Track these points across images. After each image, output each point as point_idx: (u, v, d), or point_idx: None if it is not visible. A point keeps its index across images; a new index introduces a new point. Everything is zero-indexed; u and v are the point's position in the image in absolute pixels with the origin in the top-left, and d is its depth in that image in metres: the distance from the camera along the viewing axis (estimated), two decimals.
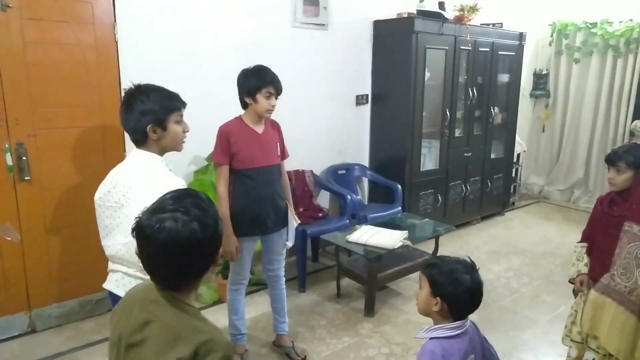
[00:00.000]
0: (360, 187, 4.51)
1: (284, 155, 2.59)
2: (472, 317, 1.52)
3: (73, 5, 2.77)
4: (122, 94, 2.97)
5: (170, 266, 1.08)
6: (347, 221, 3.73)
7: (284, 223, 2.58)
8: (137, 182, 1.65)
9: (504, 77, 5.07)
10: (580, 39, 5.52)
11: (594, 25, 5.38)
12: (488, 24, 4.81)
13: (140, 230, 1.08)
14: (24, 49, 2.64)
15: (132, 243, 1.62)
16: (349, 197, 3.83)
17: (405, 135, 4.20)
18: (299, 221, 2.66)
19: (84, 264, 2.95)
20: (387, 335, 2.95)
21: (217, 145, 2.41)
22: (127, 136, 3.08)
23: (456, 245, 4.38)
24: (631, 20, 5.14)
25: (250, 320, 2.97)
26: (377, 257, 3.11)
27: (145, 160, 1.70)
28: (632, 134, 5.04)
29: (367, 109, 4.44)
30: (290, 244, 2.64)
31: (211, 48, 3.35)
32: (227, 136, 2.37)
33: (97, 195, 1.73)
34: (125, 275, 1.71)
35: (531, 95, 6.04)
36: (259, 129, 2.44)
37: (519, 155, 5.71)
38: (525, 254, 4.29)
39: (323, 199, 4.21)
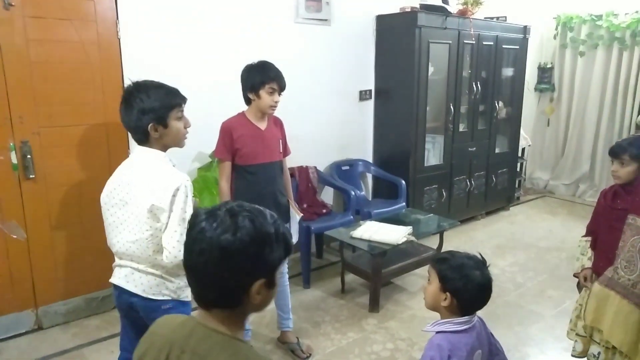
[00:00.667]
0: (364, 183, 4.50)
1: (286, 152, 2.59)
2: (478, 311, 1.52)
3: (75, 2, 2.77)
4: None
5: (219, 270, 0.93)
6: (351, 217, 3.73)
7: (286, 219, 2.58)
8: (141, 180, 1.65)
9: (508, 71, 5.04)
10: (586, 32, 5.47)
11: (599, 17, 5.33)
12: (492, 18, 4.78)
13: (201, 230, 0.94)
14: (27, 47, 2.65)
15: (143, 240, 1.64)
16: (353, 193, 3.83)
17: (409, 130, 4.18)
18: (302, 214, 2.65)
19: (89, 261, 2.96)
20: (392, 330, 2.95)
21: (220, 141, 2.41)
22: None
23: (461, 240, 4.37)
24: (637, 12, 5.08)
25: (254, 316, 2.98)
26: (382, 253, 3.11)
27: (148, 157, 1.70)
28: (638, 126, 5.00)
29: (370, 104, 4.43)
30: (293, 240, 2.64)
31: (214, 44, 3.34)
32: (230, 132, 2.37)
33: (104, 194, 1.75)
34: (135, 271, 1.71)
35: (536, 89, 6.00)
36: (262, 125, 2.43)
37: (523, 149, 5.68)
38: (530, 248, 4.28)
39: (327, 195, 4.21)
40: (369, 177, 4.58)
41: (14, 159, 2.69)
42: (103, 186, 1.79)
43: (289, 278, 2.73)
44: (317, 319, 3.07)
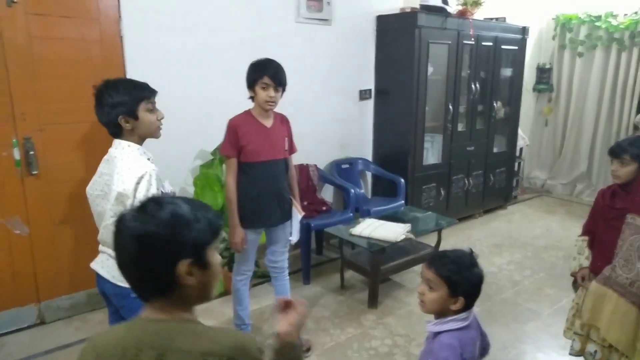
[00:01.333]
0: (363, 181, 4.53)
1: (292, 150, 2.61)
2: (475, 308, 1.55)
3: (78, 0, 2.79)
4: None
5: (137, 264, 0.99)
6: (351, 214, 3.76)
7: (289, 217, 2.60)
8: (115, 170, 1.72)
9: (507, 72, 5.07)
10: (584, 33, 5.50)
11: (598, 18, 5.37)
12: (491, 18, 4.81)
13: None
14: (30, 44, 2.67)
15: (108, 225, 1.70)
16: (353, 190, 3.86)
17: (408, 129, 4.21)
18: (304, 213, 2.68)
19: (91, 256, 2.94)
20: (390, 326, 2.98)
21: (226, 138, 2.43)
22: None
23: (458, 238, 4.40)
24: (636, 13, 5.11)
25: (254, 312, 3.01)
26: (381, 250, 3.14)
27: (122, 148, 1.76)
28: (635, 127, 5.04)
29: (370, 103, 4.46)
30: (294, 239, 2.66)
31: (216, 43, 3.37)
32: (236, 129, 2.40)
33: (88, 187, 1.85)
34: (110, 257, 1.78)
35: (534, 89, 6.03)
36: (267, 122, 2.46)
37: (521, 149, 5.72)
38: (527, 247, 4.31)
39: (327, 193, 4.24)
40: (369, 176, 4.61)
41: (16, 155, 2.72)
42: None
43: (289, 274, 2.76)
44: (316, 315, 3.10)
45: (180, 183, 3.35)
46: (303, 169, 3.91)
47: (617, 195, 2.18)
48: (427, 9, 4.08)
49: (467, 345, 1.44)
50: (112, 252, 1.69)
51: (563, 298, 3.36)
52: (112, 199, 1.70)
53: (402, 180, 4.15)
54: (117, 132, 1.78)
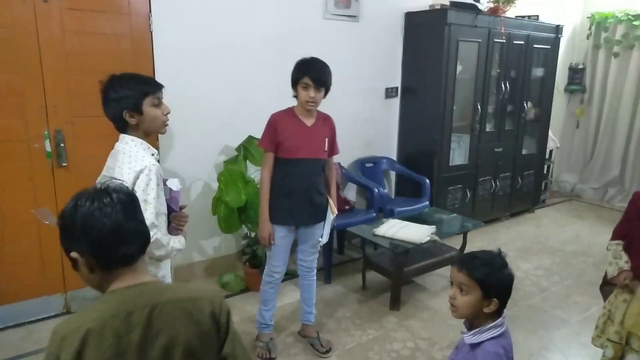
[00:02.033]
0: (387, 181, 4.48)
1: (332, 151, 2.57)
2: (505, 321, 1.50)
3: None
4: None
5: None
6: (374, 214, 3.72)
7: (320, 219, 2.57)
8: (117, 164, 1.72)
9: (538, 71, 4.94)
10: (621, 32, 5.31)
11: (637, 17, 5.17)
12: (523, 17, 4.69)
13: None
14: (63, 39, 2.72)
15: None
16: (377, 190, 3.82)
17: (435, 129, 4.14)
18: (336, 212, 2.62)
19: None
20: (413, 329, 2.94)
21: (265, 132, 2.43)
22: None
23: (484, 241, 4.31)
24: None
25: (276, 308, 3.00)
26: (404, 251, 3.09)
27: (125, 142, 1.76)
28: None
29: (396, 101, 4.40)
30: (324, 240, 2.64)
31: (243, 39, 3.37)
32: (275, 124, 2.39)
33: (97, 180, 1.79)
34: None
35: (566, 90, 5.86)
36: (309, 121, 2.44)
37: (551, 151, 5.57)
38: (555, 252, 4.20)
39: (350, 192, 4.21)
40: (393, 175, 4.55)
41: (48, 147, 2.77)
42: None
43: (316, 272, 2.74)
44: (337, 315, 3.08)
45: (204, 178, 3.37)
46: None
47: None
48: (458, 6, 4.00)
49: (509, 352, 1.41)
50: None
51: (592, 306, 3.25)
52: None
53: (427, 180, 4.09)
54: (122, 127, 1.77)
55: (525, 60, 4.68)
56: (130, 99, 1.72)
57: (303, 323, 2.77)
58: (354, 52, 3.96)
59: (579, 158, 6.01)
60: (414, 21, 4.18)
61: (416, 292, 3.40)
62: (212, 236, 3.48)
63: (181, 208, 1.89)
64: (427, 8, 4.12)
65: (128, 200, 1.10)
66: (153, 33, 2.99)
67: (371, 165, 4.24)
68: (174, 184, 1.86)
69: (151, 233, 1.63)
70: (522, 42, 4.57)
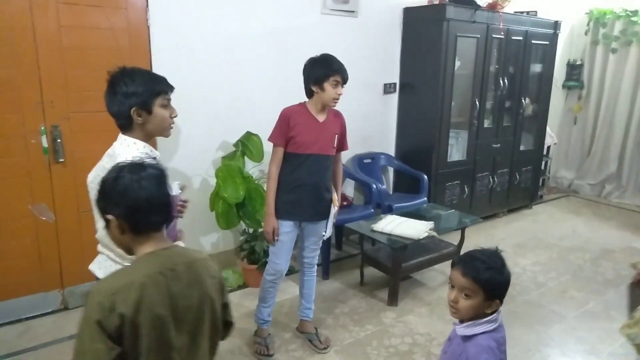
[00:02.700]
0: (385, 177, 4.48)
1: (341, 147, 2.58)
2: (501, 314, 1.50)
3: None
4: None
5: None
6: (372, 210, 3.72)
7: (325, 216, 2.57)
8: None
9: (536, 67, 4.93)
10: (619, 28, 5.31)
11: (635, 13, 5.17)
12: (522, 12, 4.68)
13: None
14: (59, 33, 2.70)
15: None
16: (375, 186, 3.82)
17: (433, 125, 4.14)
18: (337, 206, 2.62)
19: None
20: (411, 325, 2.94)
21: (277, 127, 2.43)
22: None
23: (482, 237, 4.32)
24: None
25: (274, 305, 3.00)
26: (402, 247, 3.10)
27: (127, 145, 1.65)
28: None
29: (394, 97, 4.39)
30: (327, 235, 2.64)
31: (241, 34, 3.35)
32: (288, 119, 2.39)
33: (89, 178, 1.70)
34: (108, 259, 1.67)
35: (564, 86, 5.86)
36: (321, 117, 2.44)
37: (549, 147, 5.57)
38: (552, 248, 4.21)
39: (348, 188, 4.21)
40: (391, 171, 4.55)
41: (44, 142, 2.75)
42: None
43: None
44: (335, 311, 3.08)
45: (202, 174, 3.36)
46: None
47: None
48: (456, 1, 3.99)
49: (502, 345, 1.41)
50: (110, 253, 1.64)
51: (590, 301, 3.27)
52: None
53: (425, 176, 4.09)
54: (125, 125, 1.66)
55: (524, 56, 4.68)
56: (141, 96, 1.61)
57: (301, 319, 2.77)
58: (352, 48, 3.94)
59: (576, 154, 6.02)
60: (412, 16, 4.17)
61: (414, 287, 3.41)
62: (210, 232, 3.47)
63: (184, 202, 1.78)
64: (426, 3, 4.11)
65: (160, 175, 1.25)
66: (150, 28, 2.96)
67: (369, 161, 4.24)
68: (173, 188, 1.68)
69: None
70: (521, 38, 4.57)
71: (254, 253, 3.27)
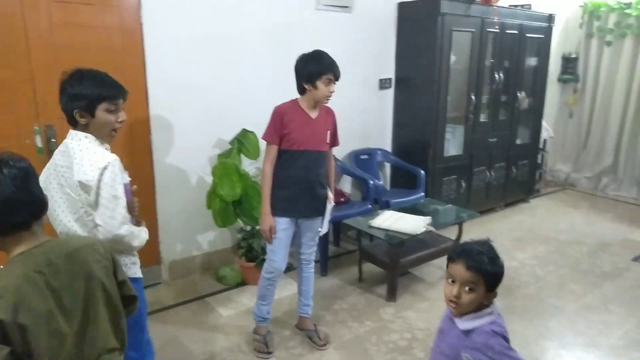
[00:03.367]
0: (382, 172, 4.47)
1: (334, 142, 2.58)
2: (497, 304, 1.50)
3: None
4: (146, 77, 2.99)
5: None
6: (370, 206, 3.72)
7: (320, 212, 2.56)
8: (74, 162, 1.65)
9: (531, 61, 4.93)
10: (613, 21, 5.30)
11: (629, 5, 5.17)
12: (516, 6, 4.67)
13: None
14: (52, 32, 2.67)
15: (81, 217, 1.65)
16: (372, 182, 3.81)
17: (429, 120, 4.13)
18: (333, 202, 2.62)
19: None
20: (410, 320, 2.94)
21: (270, 125, 2.42)
22: (152, 120, 3.11)
23: (479, 231, 4.31)
24: None
25: (273, 302, 2.99)
26: (400, 243, 3.09)
27: (79, 139, 1.68)
28: None
29: (390, 93, 4.38)
30: (323, 231, 2.63)
31: (235, 31, 3.32)
32: (282, 116, 2.38)
33: (41, 178, 1.71)
34: None
35: (559, 79, 5.86)
36: (313, 114, 2.44)
37: (545, 141, 5.58)
38: (550, 241, 4.21)
39: (345, 184, 4.20)
40: (387, 167, 4.55)
41: (39, 142, 2.73)
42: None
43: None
44: (334, 307, 3.08)
45: (198, 172, 3.35)
46: None
47: None
48: None
49: (506, 332, 1.42)
50: None
51: (588, 294, 3.28)
52: (73, 188, 1.64)
53: (422, 171, 4.08)
54: (73, 123, 1.70)
55: (519, 50, 4.67)
56: (85, 99, 1.65)
57: (300, 316, 2.77)
58: (347, 43, 3.93)
59: (572, 147, 6.03)
60: (407, 11, 4.16)
61: (412, 283, 3.41)
62: (207, 230, 3.46)
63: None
64: None
65: (20, 175, 1.19)
66: (143, 25, 2.94)
67: (366, 157, 4.23)
68: (124, 177, 1.77)
69: (125, 227, 1.65)
70: (515, 32, 4.56)
71: (251, 250, 3.26)
